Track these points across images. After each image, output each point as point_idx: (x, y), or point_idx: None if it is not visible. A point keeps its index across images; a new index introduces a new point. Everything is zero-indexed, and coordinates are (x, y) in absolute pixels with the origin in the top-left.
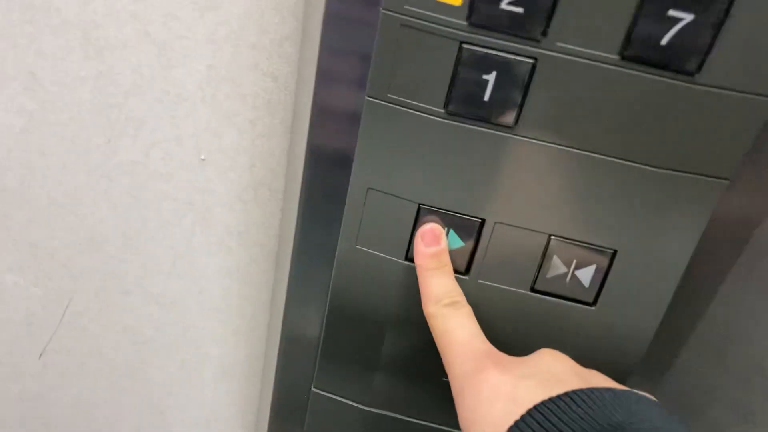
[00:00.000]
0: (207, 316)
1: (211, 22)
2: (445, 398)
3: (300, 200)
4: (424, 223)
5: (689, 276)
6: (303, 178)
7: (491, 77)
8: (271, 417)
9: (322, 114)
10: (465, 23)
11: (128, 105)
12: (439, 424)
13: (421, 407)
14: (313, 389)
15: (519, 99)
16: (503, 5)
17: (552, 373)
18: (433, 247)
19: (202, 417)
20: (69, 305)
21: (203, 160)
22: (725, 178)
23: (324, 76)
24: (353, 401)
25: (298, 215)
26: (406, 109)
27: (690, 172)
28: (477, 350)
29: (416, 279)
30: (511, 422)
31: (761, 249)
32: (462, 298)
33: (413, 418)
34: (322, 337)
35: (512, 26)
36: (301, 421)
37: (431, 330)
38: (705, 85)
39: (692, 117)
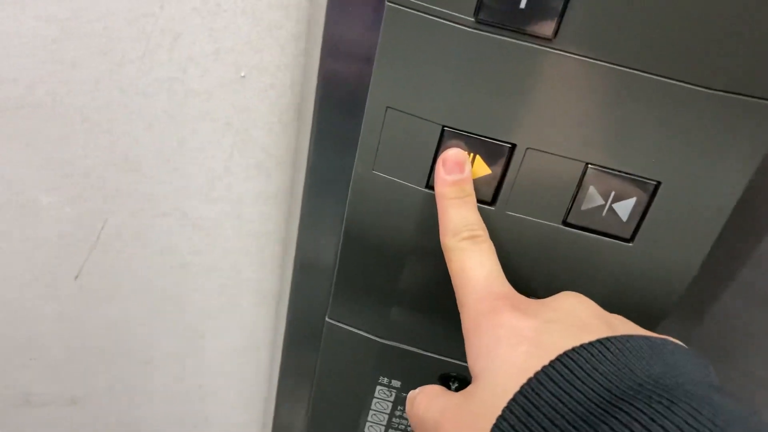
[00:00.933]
0: (245, 242)
1: None
2: (460, 333)
3: (313, 120)
4: (447, 147)
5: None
6: (316, 97)
7: None
8: (284, 346)
9: (336, 22)
10: None
11: (164, 15)
12: (456, 359)
13: (438, 341)
14: (327, 319)
15: (559, 7)
16: None
17: (577, 318)
18: (456, 175)
19: (240, 341)
20: (104, 227)
21: (243, 77)
22: None
23: None
24: (368, 333)
25: (311, 136)
26: (431, 17)
27: (749, 96)
28: (494, 290)
29: (436, 208)
30: (537, 367)
31: None
32: (483, 232)
33: (429, 351)
34: (336, 267)
35: None
36: (315, 351)
37: (447, 263)
38: None
39: (755, 32)
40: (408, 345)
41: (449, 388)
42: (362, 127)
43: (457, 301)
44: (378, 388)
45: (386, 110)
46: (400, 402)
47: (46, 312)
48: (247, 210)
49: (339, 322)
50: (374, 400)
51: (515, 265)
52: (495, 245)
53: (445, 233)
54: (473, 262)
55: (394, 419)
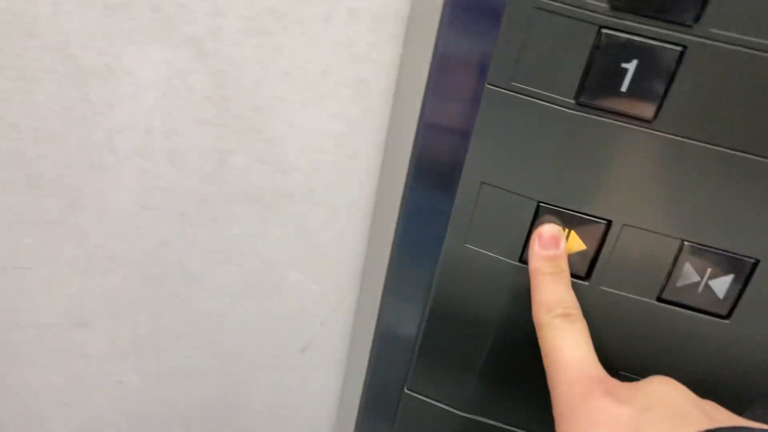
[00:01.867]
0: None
1: None
2: (546, 410)
3: (404, 195)
4: (542, 223)
5: None
6: (409, 171)
7: (631, 65)
8: (359, 416)
9: (435, 103)
10: (606, 5)
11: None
12: None
13: (520, 417)
14: (405, 390)
15: (661, 90)
16: None
17: (673, 405)
18: (551, 250)
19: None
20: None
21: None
22: None
23: (442, 59)
24: (448, 406)
25: (401, 209)
26: (531, 98)
27: None
28: (588, 373)
29: (529, 283)
30: None
31: None
32: (577, 311)
33: (509, 425)
34: (420, 338)
35: (660, 10)
36: (391, 421)
37: (539, 340)
38: None
39: None
40: (488, 418)
41: None
42: (455, 201)
43: (548, 380)
44: None
45: (481, 185)
46: None
47: None
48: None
49: (418, 393)
50: None
51: (608, 341)
52: (589, 321)
53: (539, 309)
54: (567, 342)
55: None
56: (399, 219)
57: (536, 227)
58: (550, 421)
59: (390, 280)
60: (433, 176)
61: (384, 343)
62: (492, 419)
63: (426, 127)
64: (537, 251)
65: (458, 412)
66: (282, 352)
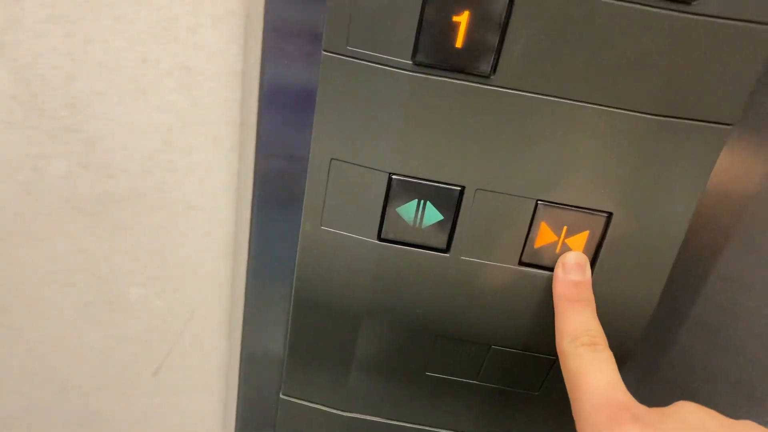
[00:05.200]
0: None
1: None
2: (429, 395)
3: (254, 185)
4: (566, 252)
5: (685, 247)
6: (256, 159)
7: (463, 18)
8: (237, 429)
9: (273, 76)
10: None
11: None
12: (424, 425)
13: (403, 407)
14: (281, 396)
15: (495, 42)
16: None
17: (704, 430)
18: (576, 276)
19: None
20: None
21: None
22: (728, 124)
23: (274, 32)
24: (327, 406)
25: (253, 199)
26: (369, 63)
27: (689, 119)
28: (615, 399)
29: (393, 261)
30: None
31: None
32: (603, 341)
33: (394, 420)
34: (288, 337)
35: None
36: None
37: (562, 367)
38: (701, 15)
39: (689, 53)
40: (369, 415)
41: None
42: (307, 182)
43: (573, 408)
44: None
45: (330, 162)
46: None
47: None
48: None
49: (294, 397)
50: None
51: (473, 310)
52: (452, 293)
53: (562, 337)
54: (592, 368)
55: None
56: (252, 213)
57: (562, 256)
58: (434, 406)
59: (250, 281)
60: (282, 160)
61: (251, 351)
62: (375, 415)
63: (267, 110)
64: (561, 277)
65: (337, 412)
66: (132, 377)
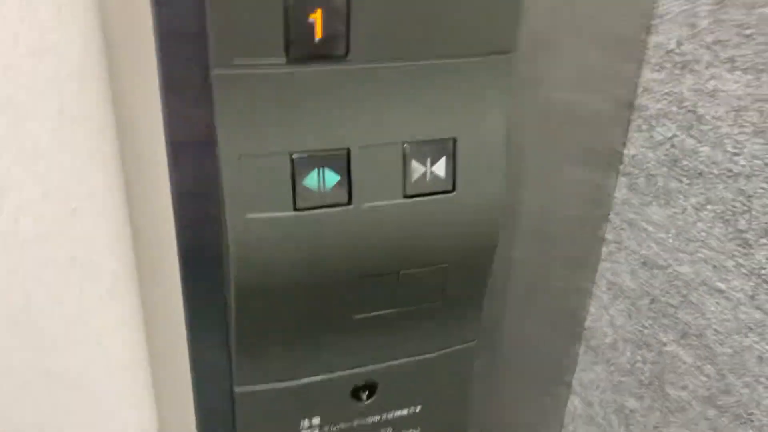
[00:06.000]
0: (114, 376)
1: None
2: (360, 337)
3: (172, 190)
4: None
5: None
6: (170, 168)
7: (317, 16)
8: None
9: (172, 103)
10: None
11: None
12: (362, 366)
13: (341, 356)
14: (236, 389)
15: (344, 31)
16: None
17: None
18: None
19: None
20: None
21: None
22: (506, 52)
23: (166, 63)
24: (281, 381)
25: (175, 211)
26: (254, 71)
27: (474, 55)
28: None
29: (311, 225)
30: None
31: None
32: None
33: (337, 371)
34: (234, 330)
35: None
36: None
37: None
38: None
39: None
40: (319, 375)
41: (360, 399)
42: (223, 178)
43: None
44: None
45: (240, 157)
46: None
47: None
48: (108, 339)
49: (250, 385)
50: None
51: (379, 244)
52: (360, 234)
53: None
54: None
55: None
56: (176, 223)
57: None
58: (365, 350)
59: (186, 284)
60: (195, 168)
61: (200, 351)
62: (322, 373)
63: (173, 133)
64: None
65: (293, 383)
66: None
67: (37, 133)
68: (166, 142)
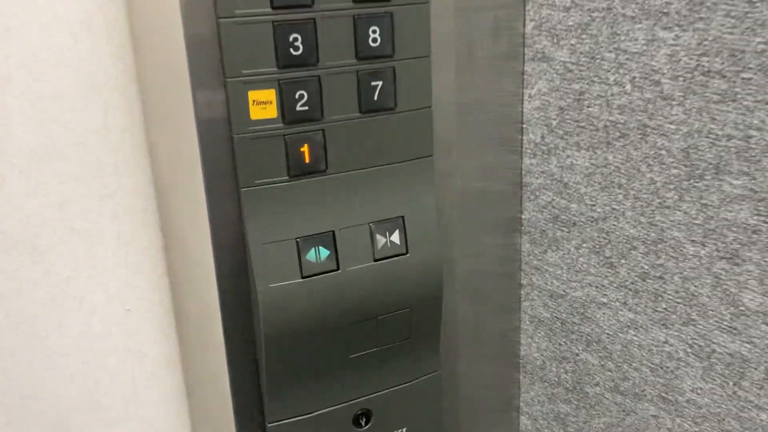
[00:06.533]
0: None
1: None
2: (354, 372)
3: (216, 272)
4: None
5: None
6: (214, 254)
7: (306, 149)
8: None
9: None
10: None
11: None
12: (356, 398)
13: (344, 388)
14: (269, 426)
15: (323, 156)
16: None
17: None
18: None
19: None
20: None
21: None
22: (428, 156)
23: (209, 178)
24: (309, 413)
25: (219, 289)
26: (268, 186)
27: (406, 160)
28: None
29: (316, 286)
30: None
31: None
32: None
33: (343, 402)
34: (265, 372)
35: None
36: None
37: None
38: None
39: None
40: (327, 407)
41: (360, 425)
42: (252, 263)
43: None
44: None
45: (263, 245)
46: None
47: None
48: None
49: (281, 420)
50: None
51: (361, 296)
52: (348, 291)
53: None
54: None
55: None
56: (219, 288)
57: None
58: (358, 382)
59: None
60: (235, 244)
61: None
62: (332, 404)
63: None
64: None
65: (310, 415)
66: None
67: (104, 256)
68: (212, 235)
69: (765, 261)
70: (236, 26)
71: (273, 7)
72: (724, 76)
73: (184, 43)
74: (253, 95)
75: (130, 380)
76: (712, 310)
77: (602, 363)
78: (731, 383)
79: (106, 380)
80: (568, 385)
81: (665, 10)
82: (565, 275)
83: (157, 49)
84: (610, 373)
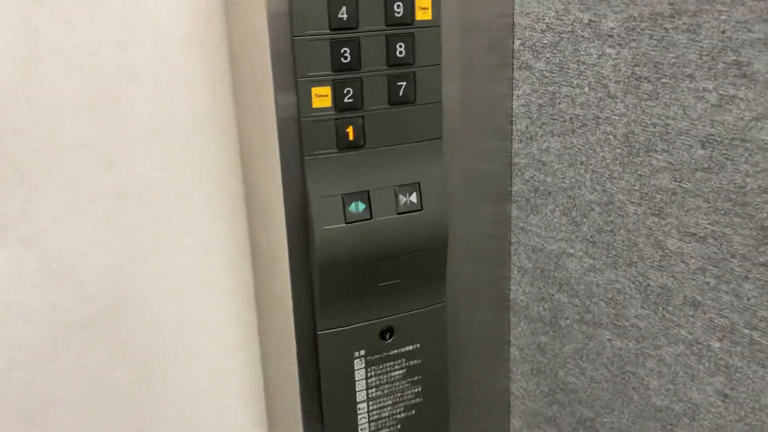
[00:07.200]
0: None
1: None
2: (380, 297)
3: (286, 215)
4: None
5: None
6: (285, 205)
7: (350, 129)
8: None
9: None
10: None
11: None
12: (383, 317)
13: (372, 308)
14: (319, 332)
15: (362, 135)
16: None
17: None
18: None
19: None
20: None
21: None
22: (438, 138)
23: (283, 150)
24: (344, 326)
25: (287, 227)
26: (323, 156)
27: (423, 140)
28: None
29: (356, 229)
30: None
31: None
32: None
33: (374, 319)
34: (317, 291)
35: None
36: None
37: None
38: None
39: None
40: (361, 322)
41: (385, 339)
42: (312, 210)
43: None
44: (355, 362)
45: (319, 198)
46: (369, 364)
47: None
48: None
49: (330, 328)
50: (356, 374)
51: (389, 238)
52: (380, 233)
53: None
54: None
55: (370, 380)
56: (288, 232)
57: None
58: (384, 306)
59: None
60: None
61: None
62: (365, 320)
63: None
64: None
65: (350, 326)
66: None
67: (196, 206)
68: (283, 191)
69: (681, 214)
70: (305, 42)
71: (330, 29)
72: (650, 81)
73: (269, 53)
74: (315, 90)
75: (205, 305)
76: (647, 254)
77: (571, 300)
78: (660, 309)
79: (189, 305)
80: (546, 320)
81: (610, 34)
82: (543, 233)
83: (249, 57)
84: (576, 308)
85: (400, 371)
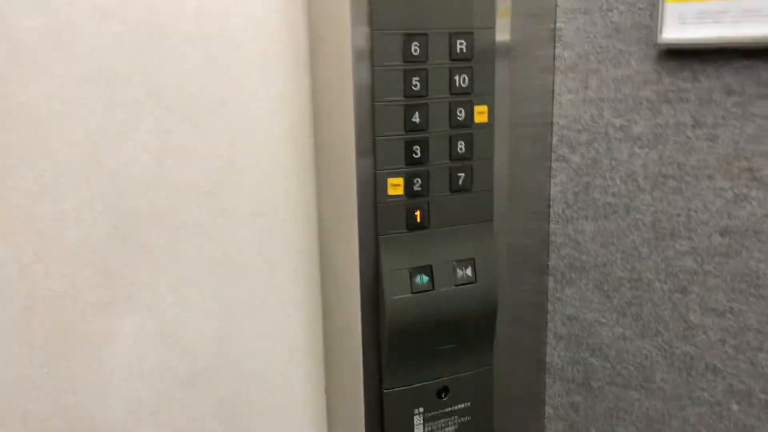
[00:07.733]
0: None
1: None
2: (440, 358)
3: (360, 289)
4: None
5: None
6: (360, 275)
7: (417, 213)
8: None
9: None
10: None
11: None
12: (444, 376)
13: (434, 369)
14: (384, 391)
15: (428, 222)
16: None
17: None
18: None
19: None
20: None
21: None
22: (488, 220)
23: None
24: (416, 383)
25: (362, 297)
26: (395, 235)
27: (476, 222)
28: None
29: (421, 299)
30: None
31: None
32: None
33: (436, 378)
34: (385, 353)
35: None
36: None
37: None
38: None
39: None
40: (422, 382)
41: (441, 398)
42: (384, 283)
43: None
44: (414, 418)
45: (390, 272)
46: (427, 420)
47: None
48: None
49: (395, 387)
50: (415, 429)
51: (446, 308)
52: (437, 305)
53: None
54: None
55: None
56: (362, 300)
57: None
58: (443, 366)
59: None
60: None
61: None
62: (425, 380)
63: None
64: None
65: (412, 386)
66: None
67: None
68: (360, 265)
69: (702, 292)
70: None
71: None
72: (675, 178)
73: (354, 149)
74: (390, 180)
75: (284, 365)
76: (672, 325)
77: (602, 364)
78: (684, 374)
79: (271, 364)
80: (579, 382)
81: (639, 137)
82: (577, 303)
83: (335, 151)
84: (607, 371)
85: (453, 427)
